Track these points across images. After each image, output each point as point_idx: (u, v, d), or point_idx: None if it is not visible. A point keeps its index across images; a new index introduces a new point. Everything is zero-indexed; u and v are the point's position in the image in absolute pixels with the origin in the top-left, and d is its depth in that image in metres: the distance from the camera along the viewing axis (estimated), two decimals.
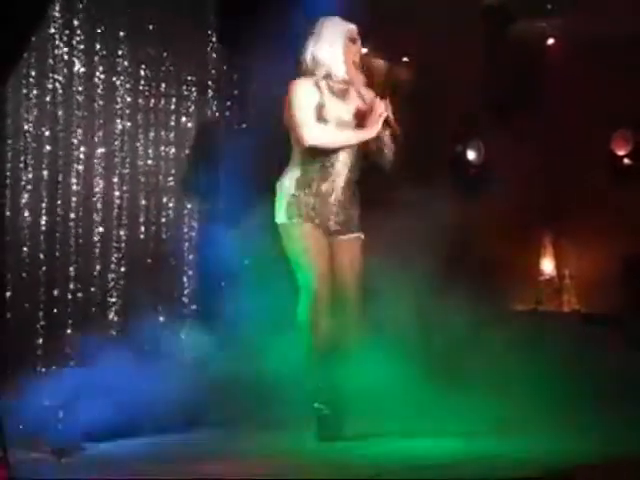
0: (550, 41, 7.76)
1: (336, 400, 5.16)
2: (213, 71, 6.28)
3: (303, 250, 5.13)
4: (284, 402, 5.84)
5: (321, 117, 5.08)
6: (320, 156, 5.14)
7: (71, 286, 5.57)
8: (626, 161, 7.58)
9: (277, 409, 5.96)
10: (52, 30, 5.60)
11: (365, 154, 5.24)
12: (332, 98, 5.14)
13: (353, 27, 5.23)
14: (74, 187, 5.62)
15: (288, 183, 5.19)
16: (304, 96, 5.10)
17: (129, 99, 5.86)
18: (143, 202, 5.90)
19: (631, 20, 7.14)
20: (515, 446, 4.97)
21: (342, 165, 5.17)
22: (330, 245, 5.19)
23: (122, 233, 5.78)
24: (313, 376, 5.21)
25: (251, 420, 5.63)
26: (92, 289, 5.65)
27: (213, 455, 4.93)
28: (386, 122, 5.07)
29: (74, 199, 5.62)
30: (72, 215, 5.61)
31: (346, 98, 5.19)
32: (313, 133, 5.04)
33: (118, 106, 5.82)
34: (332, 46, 5.16)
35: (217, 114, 6.28)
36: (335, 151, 5.13)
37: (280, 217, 5.19)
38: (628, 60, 7.33)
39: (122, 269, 5.75)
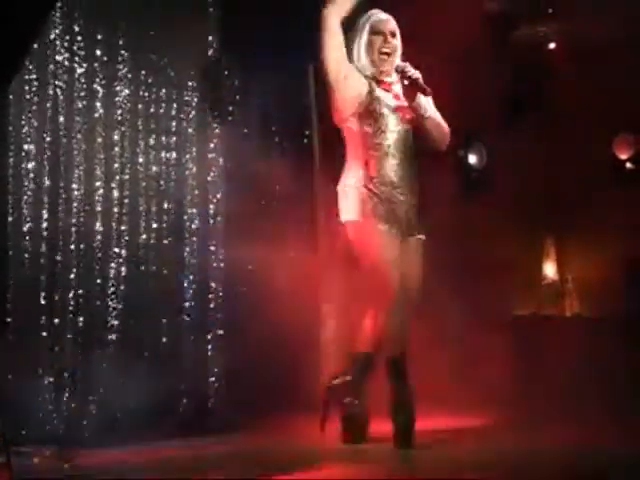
0: (552, 45, 7.76)
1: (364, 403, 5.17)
2: (214, 76, 6.26)
3: (374, 251, 5.12)
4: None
5: (372, 106, 5.13)
6: (376, 148, 5.14)
7: (71, 292, 5.55)
8: (628, 165, 7.57)
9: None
10: (53, 36, 5.59)
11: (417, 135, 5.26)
12: (377, 87, 5.19)
13: (378, 18, 5.22)
14: (75, 192, 5.61)
15: (355, 179, 5.19)
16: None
17: (130, 105, 5.85)
18: (144, 207, 5.89)
19: (633, 24, 7.13)
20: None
21: (399, 162, 5.18)
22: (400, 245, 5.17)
23: (122, 238, 5.77)
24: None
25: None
26: (93, 294, 5.63)
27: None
28: (415, 83, 5.08)
29: (75, 205, 5.61)
30: (73, 220, 5.60)
31: (392, 88, 5.24)
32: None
33: (119, 112, 5.81)
34: (358, 40, 5.22)
35: (218, 120, 6.26)
36: (385, 148, 5.14)
37: (350, 214, 5.18)
38: (630, 64, 7.32)
39: (123, 274, 5.74)
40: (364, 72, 5.20)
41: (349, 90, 5.15)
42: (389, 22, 5.23)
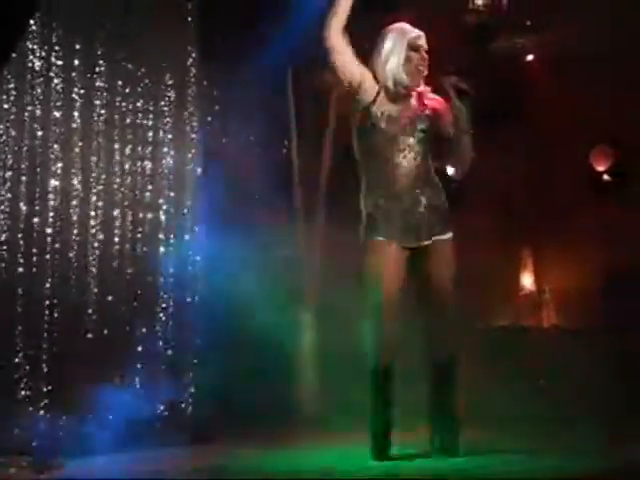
0: (530, 57, 7.80)
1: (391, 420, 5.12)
2: (193, 87, 6.26)
3: (370, 263, 5.15)
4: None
5: (368, 118, 5.15)
6: (381, 162, 5.16)
7: (47, 302, 5.54)
8: (605, 177, 7.61)
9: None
10: (30, 45, 5.60)
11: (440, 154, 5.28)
12: (385, 101, 5.19)
13: (416, 34, 5.27)
14: (51, 202, 5.60)
15: (361, 192, 5.24)
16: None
17: (106, 115, 5.84)
18: (119, 217, 5.88)
19: (611, 37, 7.17)
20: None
21: (412, 168, 5.18)
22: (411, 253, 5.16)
23: (98, 247, 5.76)
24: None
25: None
26: (69, 303, 5.62)
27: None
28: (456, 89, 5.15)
29: (51, 214, 5.60)
30: (49, 230, 5.59)
31: (402, 101, 5.23)
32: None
33: (95, 121, 5.80)
34: (395, 55, 5.22)
35: (196, 130, 6.26)
36: (398, 155, 5.16)
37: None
38: (608, 76, 7.36)
39: (97, 284, 5.73)
40: (401, 84, 5.23)
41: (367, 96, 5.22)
42: (423, 39, 5.30)
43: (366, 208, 5.22)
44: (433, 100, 5.32)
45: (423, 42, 5.28)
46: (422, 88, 5.31)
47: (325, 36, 5.18)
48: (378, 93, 5.21)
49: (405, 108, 5.23)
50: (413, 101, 5.28)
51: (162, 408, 5.94)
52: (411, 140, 5.19)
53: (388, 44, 5.24)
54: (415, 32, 5.29)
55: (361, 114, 5.21)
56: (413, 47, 5.24)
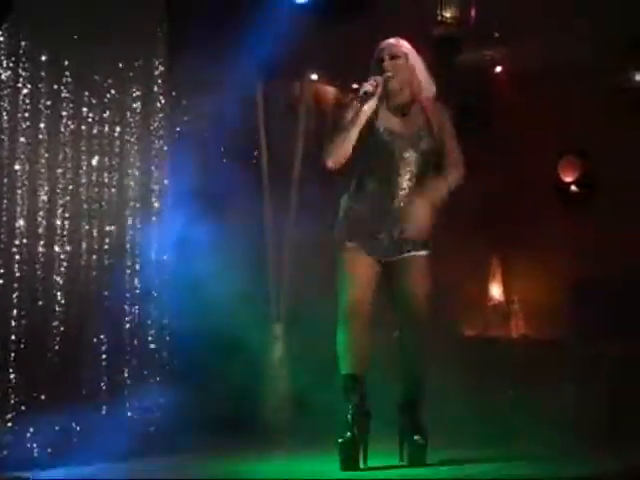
0: (498, 69, 7.84)
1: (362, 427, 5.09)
2: (161, 97, 6.25)
3: (343, 275, 5.16)
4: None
5: (371, 129, 5.16)
6: (378, 171, 5.17)
7: (14, 312, 5.52)
8: (573, 188, 7.66)
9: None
10: None
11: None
12: (387, 114, 5.21)
13: (381, 46, 5.29)
14: (17, 214, 5.57)
15: (343, 202, 5.26)
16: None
17: (73, 126, 5.82)
18: (86, 228, 5.86)
19: (578, 49, 7.22)
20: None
21: (409, 180, 5.18)
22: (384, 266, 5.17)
23: (64, 259, 5.73)
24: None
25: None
26: (34, 315, 5.60)
27: None
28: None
29: (17, 225, 5.57)
30: (16, 242, 5.56)
31: (404, 115, 5.24)
32: (326, 154, 5.15)
33: (62, 132, 5.78)
34: (373, 67, 5.27)
35: (164, 140, 6.25)
36: (397, 166, 5.16)
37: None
38: (575, 88, 7.42)
39: (64, 296, 5.70)
40: (389, 98, 5.24)
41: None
42: (391, 46, 5.29)
43: (346, 212, 5.22)
44: (442, 114, 5.32)
45: (386, 52, 5.26)
46: (424, 99, 5.30)
47: (329, 167, 5.14)
48: (378, 107, 5.22)
49: (407, 122, 5.23)
50: (415, 114, 5.27)
51: (130, 420, 5.91)
52: (411, 153, 5.20)
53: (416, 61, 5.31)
54: (384, 43, 5.29)
55: (367, 125, 5.18)
56: (377, 60, 5.25)
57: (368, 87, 5.13)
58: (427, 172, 5.24)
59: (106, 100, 5.98)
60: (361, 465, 5.02)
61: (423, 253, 5.23)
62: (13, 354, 5.48)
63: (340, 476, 4.90)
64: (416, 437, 5.08)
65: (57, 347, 5.65)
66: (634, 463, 4.90)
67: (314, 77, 7.66)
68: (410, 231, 5.14)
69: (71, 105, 5.82)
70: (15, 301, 5.51)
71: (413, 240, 5.17)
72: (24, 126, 5.63)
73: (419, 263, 5.22)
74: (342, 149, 5.12)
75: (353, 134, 5.11)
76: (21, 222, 5.58)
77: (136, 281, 6.03)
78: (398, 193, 5.17)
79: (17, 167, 5.59)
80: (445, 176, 5.28)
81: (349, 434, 5.04)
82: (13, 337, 5.50)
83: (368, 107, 5.13)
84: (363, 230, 5.16)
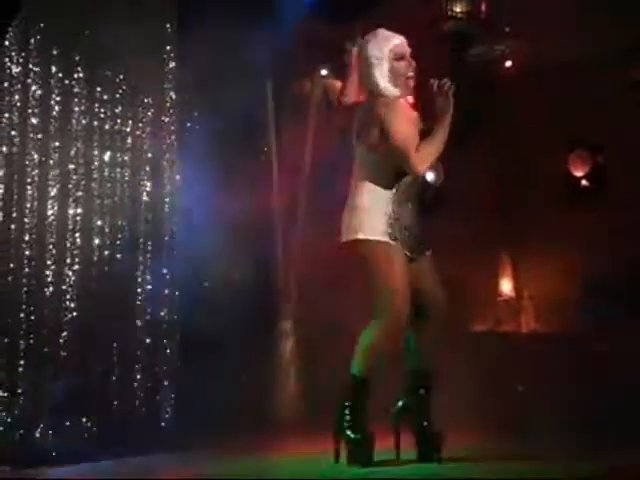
0: (508, 63, 7.81)
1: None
2: (171, 93, 6.25)
3: (391, 274, 5.00)
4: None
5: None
6: (391, 172, 5.07)
7: (24, 307, 5.52)
8: (583, 182, 7.63)
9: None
10: (8, 52, 5.57)
11: None
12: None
13: (396, 42, 5.10)
14: (28, 209, 5.57)
15: (380, 200, 5.07)
16: (405, 121, 5.01)
17: (84, 121, 5.83)
18: (98, 224, 5.87)
19: (590, 43, 7.19)
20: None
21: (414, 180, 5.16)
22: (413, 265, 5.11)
23: (76, 254, 5.74)
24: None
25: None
26: (46, 310, 5.60)
27: None
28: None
29: (28, 220, 5.57)
30: (26, 237, 5.57)
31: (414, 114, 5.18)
32: (421, 161, 4.98)
33: (74, 128, 5.79)
34: (379, 68, 5.07)
35: (175, 136, 6.25)
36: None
37: (365, 233, 5.04)
38: (586, 82, 7.38)
39: (75, 291, 5.71)
40: (390, 96, 5.12)
41: None
42: (405, 45, 5.12)
43: (385, 212, 5.08)
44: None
45: (406, 49, 5.10)
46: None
47: (420, 172, 5.05)
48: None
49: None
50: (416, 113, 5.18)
51: (140, 414, 5.92)
52: None
53: (370, 54, 5.07)
54: (396, 39, 5.10)
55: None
56: (396, 56, 5.07)
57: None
58: None
59: (117, 96, 6.00)
60: (370, 461, 5.00)
61: (430, 252, 5.23)
62: (23, 347, 5.48)
63: (350, 473, 4.91)
64: (430, 435, 5.07)
65: (68, 341, 5.66)
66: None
67: (324, 72, 7.65)
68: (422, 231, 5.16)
69: (82, 101, 5.83)
70: (25, 296, 5.52)
71: (425, 239, 5.18)
72: (35, 122, 5.64)
73: (433, 262, 5.21)
74: (434, 157, 5.06)
75: (444, 140, 5.05)
76: (33, 217, 5.58)
77: (148, 276, 6.03)
78: (411, 194, 5.17)
79: (28, 162, 5.60)
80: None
81: (360, 431, 5.03)
82: (23, 331, 5.51)
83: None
84: (400, 229, 5.08)
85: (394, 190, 5.10)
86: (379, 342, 4.98)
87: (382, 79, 5.06)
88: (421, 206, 5.24)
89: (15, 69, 5.59)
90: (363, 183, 5.09)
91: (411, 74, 5.11)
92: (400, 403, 5.17)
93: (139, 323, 5.99)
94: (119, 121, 6.01)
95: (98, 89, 5.92)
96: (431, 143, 5.01)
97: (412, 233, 5.12)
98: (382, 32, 5.14)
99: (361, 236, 5.04)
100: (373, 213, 5.06)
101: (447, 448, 5.16)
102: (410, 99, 5.19)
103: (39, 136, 5.64)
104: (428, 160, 5.02)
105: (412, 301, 5.06)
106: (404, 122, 4.98)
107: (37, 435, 5.49)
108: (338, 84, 5.40)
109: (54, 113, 5.71)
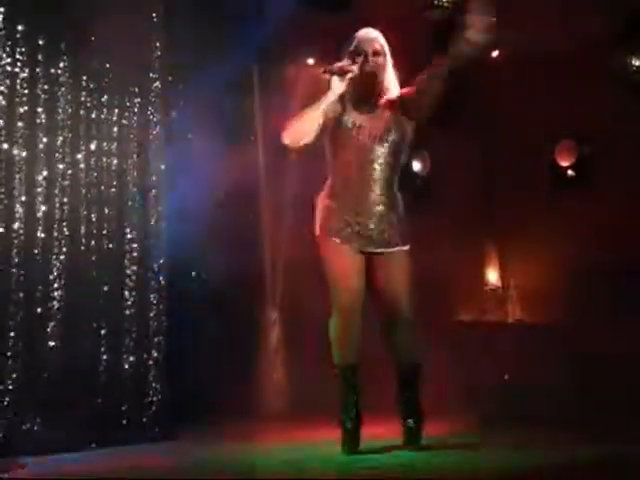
0: (495, 53, 7.81)
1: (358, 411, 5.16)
2: (157, 82, 6.23)
3: (331, 266, 5.15)
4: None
5: (339, 125, 5.16)
6: (349, 168, 5.15)
7: (13, 296, 5.50)
8: (570, 172, 7.63)
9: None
10: None
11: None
12: (354, 110, 5.19)
13: (363, 38, 5.21)
14: (15, 197, 5.55)
15: (322, 194, 5.25)
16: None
17: (70, 110, 5.81)
18: (84, 213, 5.85)
19: (576, 32, 7.19)
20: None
21: (379, 178, 5.17)
22: (367, 260, 5.17)
23: (63, 244, 5.72)
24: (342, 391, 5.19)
25: None
26: (33, 300, 5.59)
27: None
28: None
29: (15, 210, 5.55)
30: (14, 226, 5.55)
31: (371, 110, 5.22)
32: (286, 131, 5.10)
33: (60, 117, 5.76)
34: (351, 61, 5.16)
35: (161, 125, 6.23)
36: (366, 164, 5.14)
37: (316, 229, 5.24)
38: (573, 72, 7.39)
39: (63, 280, 5.69)
40: (358, 92, 5.19)
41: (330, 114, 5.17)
42: (373, 41, 5.22)
43: (325, 208, 5.22)
44: (397, 101, 5.25)
45: (369, 46, 5.19)
46: (393, 96, 5.26)
47: (285, 142, 5.14)
48: (346, 102, 5.20)
49: (375, 118, 5.21)
50: (384, 110, 5.24)
51: (128, 405, 5.92)
52: (381, 151, 5.18)
53: (348, 49, 5.19)
54: (366, 36, 5.22)
55: (334, 120, 5.18)
56: (357, 52, 5.16)
57: (345, 64, 5.10)
58: (396, 167, 5.24)
59: (104, 84, 5.98)
60: (359, 449, 5.10)
61: (406, 248, 5.25)
62: (11, 339, 5.47)
63: (339, 460, 4.93)
64: (409, 420, 5.16)
65: (56, 331, 5.64)
66: (614, 450, 4.91)
67: (310, 62, 7.65)
68: (388, 231, 5.18)
69: (69, 89, 5.81)
70: (14, 286, 5.50)
71: (392, 237, 5.19)
72: (22, 110, 5.62)
73: (403, 258, 5.24)
74: (302, 128, 5.08)
75: (316, 114, 5.08)
76: (20, 207, 5.56)
77: (135, 266, 6.02)
78: (372, 187, 5.16)
79: (15, 152, 5.58)
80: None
81: (347, 420, 5.10)
82: (11, 322, 5.49)
83: (337, 87, 5.07)
84: (343, 225, 5.15)
85: (331, 183, 5.21)
86: (333, 331, 5.18)
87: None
88: (393, 199, 5.23)
89: (1, 57, 5.55)
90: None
91: (366, 69, 5.17)
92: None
93: (126, 312, 5.98)
94: (105, 110, 5.99)
95: (84, 78, 5.89)
96: (300, 114, 5.11)
97: (360, 225, 5.13)
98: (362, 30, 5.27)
99: (316, 232, 5.24)
100: (319, 208, 5.25)
101: (431, 437, 5.20)
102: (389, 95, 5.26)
103: (26, 125, 5.61)
104: (290, 129, 5.09)
105: (378, 301, 5.19)
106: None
107: (25, 425, 5.47)
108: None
109: (40, 102, 5.68)
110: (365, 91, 5.22)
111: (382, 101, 5.26)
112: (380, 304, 5.20)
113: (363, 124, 5.19)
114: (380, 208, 5.16)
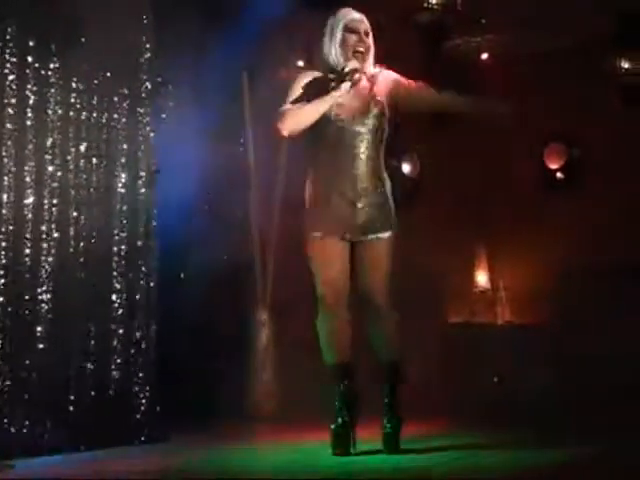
0: (484, 56, 7.82)
1: (352, 413, 5.08)
2: (147, 83, 6.22)
3: (311, 258, 5.12)
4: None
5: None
6: (331, 151, 5.10)
7: (1, 298, 5.48)
8: (559, 175, 7.65)
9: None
10: None
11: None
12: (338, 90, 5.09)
13: (352, 17, 5.18)
14: (4, 200, 5.53)
15: (306, 187, 5.19)
16: (298, 84, 5.12)
17: (60, 112, 5.79)
18: (74, 215, 5.83)
19: (565, 35, 7.21)
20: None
21: (362, 158, 5.12)
22: (350, 248, 5.12)
23: (52, 246, 5.70)
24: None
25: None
26: (22, 300, 5.57)
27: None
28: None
29: (4, 212, 5.53)
30: (2, 228, 5.52)
31: (356, 88, 5.15)
32: (282, 120, 5.04)
33: (49, 119, 5.74)
34: (331, 39, 5.16)
35: (151, 127, 6.22)
36: (349, 144, 5.08)
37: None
38: (561, 75, 7.41)
39: (52, 282, 5.68)
40: (338, 67, 5.11)
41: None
42: (363, 21, 5.21)
43: (309, 199, 5.17)
44: (388, 79, 5.22)
45: (361, 25, 5.17)
46: (373, 71, 5.20)
47: (284, 134, 5.08)
48: (323, 80, 5.11)
49: (354, 95, 5.13)
50: (364, 87, 5.17)
51: (117, 407, 5.90)
52: (362, 129, 5.12)
53: (326, 28, 5.17)
54: (353, 14, 5.20)
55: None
56: (349, 29, 5.14)
57: (357, 65, 5.09)
58: (380, 148, 5.20)
59: (93, 86, 5.95)
60: (352, 450, 5.05)
61: (388, 235, 5.18)
62: (0, 339, 5.45)
63: (332, 462, 4.92)
64: (387, 425, 5.10)
65: (44, 333, 5.62)
66: (606, 451, 4.92)
67: (300, 63, 7.65)
68: (373, 213, 5.12)
69: (58, 91, 5.79)
70: (2, 288, 5.48)
71: (376, 221, 5.14)
72: (11, 112, 5.58)
73: (382, 245, 5.16)
74: (303, 121, 5.05)
75: (321, 110, 5.04)
76: (8, 208, 5.54)
77: (124, 268, 6.00)
78: (357, 174, 5.10)
79: (4, 153, 5.55)
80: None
81: (340, 420, 5.06)
82: (0, 324, 5.47)
83: (345, 90, 5.05)
84: (333, 216, 5.10)
85: (312, 175, 5.16)
86: (320, 329, 5.13)
87: (333, 50, 5.14)
88: (380, 180, 5.18)
89: None
90: None
91: (360, 48, 5.14)
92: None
93: (116, 314, 5.96)
94: (95, 111, 5.97)
95: (74, 79, 5.87)
96: (304, 105, 5.06)
97: (349, 209, 5.09)
98: (343, 9, 5.23)
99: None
100: (306, 198, 5.19)
101: (421, 438, 5.20)
102: (368, 72, 5.20)
103: (15, 126, 5.59)
104: (289, 122, 5.04)
105: (358, 292, 5.14)
106: (296, 83, 5.14)
107: (14, 427, 5.45)
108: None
109: (30, 103, 5.66)
110: (347, 70, 5.11)
111: (366, 76, 5.21)
112: (360, 293, 5.14)
113: (341, 101, 5.11)
114: (365, 186, 5.10)
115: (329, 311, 5.11)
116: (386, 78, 5.25)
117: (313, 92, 5.08)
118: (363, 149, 5.12)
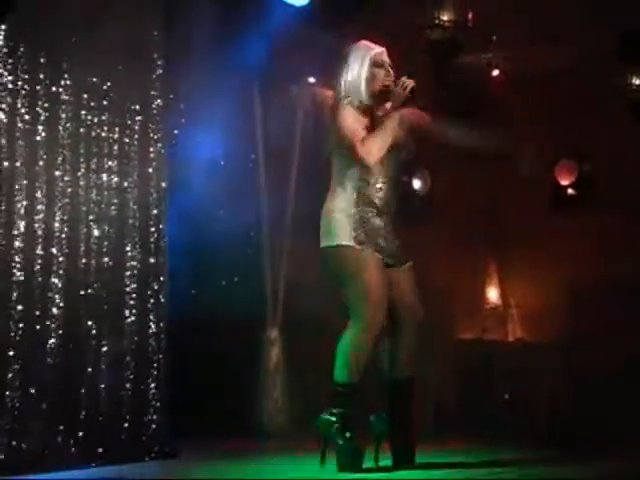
0: (495, 72, 7.84)
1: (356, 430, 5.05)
2: (159, 100, 6.23)
3: (362, 278, 5.03)
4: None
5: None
6: (370, 174, 5.13)
7: (12, 313, 5.49)
8: (570, 191, 7.65)
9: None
10: None
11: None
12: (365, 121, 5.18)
13: (379, 51, 5.24)
14: (15, 216, 5.54)
15: (344, 204, 5.12)
16: (352, 119, 5.11)
17: (72, 128, 5.80)
18: (84, 231, 5.84)
19: (576, 53, 7.22)
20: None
21: (388, 183, 5.19)
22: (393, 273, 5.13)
23: (62, 262, 5.71)
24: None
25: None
26: (33, 317, 5.57)
27: None
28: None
29: (15, 228, 5.54)
30: (16, 244, 5.53)
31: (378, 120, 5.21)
32: (368, 152, 5.04)
33: (60, 135, 5.76)
34: (358, 73, 5.18)
35: (163, 143, 6.23)
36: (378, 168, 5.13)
37: (334, 239, 5.10)
38: (572, 91, 7.42)
39: (63, 298, 5.68)
40: (364, 102, 5.19)
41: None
42: (385, 54, 5.27)
43: (355, 216, 5.12)
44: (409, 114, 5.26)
45: (386, 57, 5.25)
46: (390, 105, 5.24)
47: (371, 165, 5.08)
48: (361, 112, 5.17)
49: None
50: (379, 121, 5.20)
51: (128, 423, 5.90)
52: (385, 162, 5.17)
53: (351, 61, 5.19)
54: (378, 48, 5.25)
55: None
56: (377, 63, 5.20)
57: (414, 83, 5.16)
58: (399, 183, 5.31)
59: (105, 103, 5.96)
60: (359, 469, 5.01)
61: (411, 263, 5.25)
62: (12, 355, 5.45)
63: (337, 477, 4.91)
64: (404, 439, 5.10)
65: (55, 349, 5.62)
66: (624, 467, 4.89)
67: (311, 80, 7.68)
68: (399, 240, 5.19)
69: (70, 107, 5.80)
70: (13, 304, 5.48)
71: (403, 250, 5.21)
72: (23, 128, 5.59)
73: (411, 272, 5.25)
74: (385, 147, 5.09)
75: (393, 133, 5.11)
76: (20, 225, 5.54)
77: (135, 284, 6.01)
78: (388, 198, 5.18)
79: (15, 169, 5.55)
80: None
81: (347, 437, 5.03)
82: (12, 339, 5.47)
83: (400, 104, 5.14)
84: (374, 235, 5.11)
85: (357, 192, 5.13)
86: (357, 348, 5.02)
87: (361, 85, 5.16)
88: (401, 214, 5.25)
89: (3, 75, 5.55)
90: (332, 188, 5.20)
91: (388, 82, 5.21)
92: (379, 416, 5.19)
93: (126, 330, 5.96)
94: (106, 128, 5.98)
95: (85, 96, 5.88)
96: (377, 135, 5.11)
97: (385, 237, 5.12)
98: (364, 42, 5.27)
99: (331, 242, 5.11)
100: (340, 218, 5.11)
101: (434, 454, 5.18)
102: (388, 106, 5.24)
103: (26, 142, 5.60)
104: (375, 151, 5.08)
105: (389, 312, 5.09)
106: (349, 118, 5.10)
107: (23, 441, 5.45)
108: (324, 92, 5.44)
109: (41, 119, 5.68)
110: (374, 104, 5.24)
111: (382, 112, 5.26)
112: (394, 313, 5.12)
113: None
114: (390, 219, 5.18)
115: (372, 333, 5.04)
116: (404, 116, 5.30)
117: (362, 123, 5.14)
118: (386, 179, 5.18)
